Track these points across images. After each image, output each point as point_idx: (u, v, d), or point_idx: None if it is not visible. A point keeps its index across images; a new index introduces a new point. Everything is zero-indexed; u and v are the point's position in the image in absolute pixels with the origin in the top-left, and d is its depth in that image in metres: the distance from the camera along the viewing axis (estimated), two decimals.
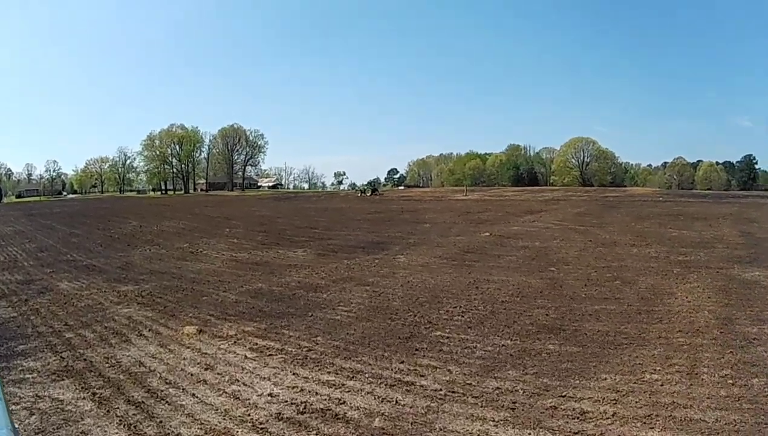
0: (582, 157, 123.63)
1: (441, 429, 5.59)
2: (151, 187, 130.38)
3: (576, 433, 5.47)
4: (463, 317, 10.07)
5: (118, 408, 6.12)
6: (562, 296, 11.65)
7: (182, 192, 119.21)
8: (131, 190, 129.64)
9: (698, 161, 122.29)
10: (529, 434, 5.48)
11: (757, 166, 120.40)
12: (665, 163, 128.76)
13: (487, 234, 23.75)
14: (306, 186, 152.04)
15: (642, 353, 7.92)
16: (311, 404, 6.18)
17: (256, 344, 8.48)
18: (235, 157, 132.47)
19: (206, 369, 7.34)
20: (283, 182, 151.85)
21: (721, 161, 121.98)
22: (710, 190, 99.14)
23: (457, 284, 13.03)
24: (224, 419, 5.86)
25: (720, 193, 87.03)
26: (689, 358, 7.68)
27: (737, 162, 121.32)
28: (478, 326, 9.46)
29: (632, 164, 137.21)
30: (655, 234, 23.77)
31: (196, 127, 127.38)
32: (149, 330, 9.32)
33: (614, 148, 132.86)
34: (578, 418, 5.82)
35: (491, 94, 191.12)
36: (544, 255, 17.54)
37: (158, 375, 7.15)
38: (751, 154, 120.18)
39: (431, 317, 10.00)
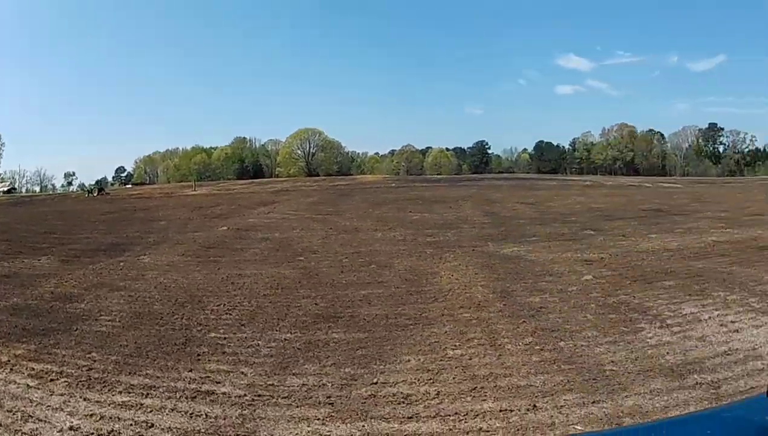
0: (308, 148, 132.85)
1: None
2: None
3: (410, 417, 5.65)
4: (231, 314, 10.19)
5: None
6: (322, 284, 12.27)
7: None
8: None
9: (427, 148, 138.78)
10: (363, 426, 5.55)
11: (489, 151, 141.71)
12: (393, 150, 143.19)
13: (225, 228, 24.47)
14: (38, 189, 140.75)
15: (433, 332, 8.57)
16: (119, 433, 5.84)
17: (33, 369, 7.90)
18: None
19: None
20: (16, 186, 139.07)
21: (451, 147, 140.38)
22: (440, 175, 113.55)
23: (211, 281, 13.32)
24: None
25: (454, 177, 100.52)
26: (484, 331, 8.52)
27: (469, 148, 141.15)
28: (251, 322, 9.62)
29: (359, 153, 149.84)
30: (396, 218, 26.32)
31: None
32: None
33: (342, 139, 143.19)
34: (404, 402, 6.03)
35: (216, 86, 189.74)
36: (287, 245, 18.46)
37: None
38: (484, 140, 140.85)
39: (199, 318, 10.02)
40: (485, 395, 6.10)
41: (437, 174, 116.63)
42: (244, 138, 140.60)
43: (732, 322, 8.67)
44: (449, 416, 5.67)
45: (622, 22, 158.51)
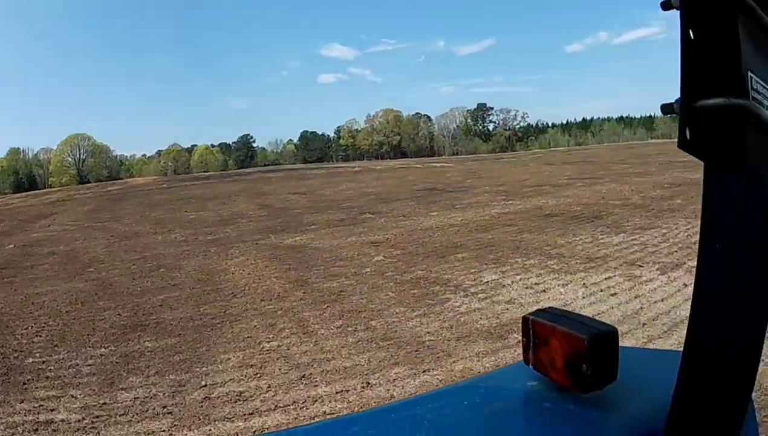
0: (78, 155, 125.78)
1: None
2: None
3: (251, 414, 5.64)
4: (41, 336, 9.43)
5: None
6: (119, 294, 11.72)
7: None
8: None
9: (193, 146, 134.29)
10: (210, 429, 5.44)
11: (255, 145, 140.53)
12: (159, 151, 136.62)
13: (11, 246, 22.41)
14: None
15: (243, 327, 8.58)
16: None
17: None
18: None
19: None
20: None
21: (217, 143, 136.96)
22: (207, 172, 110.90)
23: (11, 303, 12.19)
24: None
25: (223, 173, 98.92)
26: (293, 320, 8.69)
27: (233, 142, 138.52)
28: (62, 342, 8.93)
29: (127, 156, 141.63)
30: (173, 219, 25.62)
31: None
32: None
33: (112, 143, 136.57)
34: (240, 400, 5.98)
35: None
36: (75, 258, 17.36)
37: None
38: (248, 134, 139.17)
39: (12, 344, 9.18)
40: (316, 381, 6.24)
41: (204, 171, 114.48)
42: (18, 149, 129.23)
43: (537, 284, 9.68)
44: (289, 405, 5.74)
45: (388, 10, 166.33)
